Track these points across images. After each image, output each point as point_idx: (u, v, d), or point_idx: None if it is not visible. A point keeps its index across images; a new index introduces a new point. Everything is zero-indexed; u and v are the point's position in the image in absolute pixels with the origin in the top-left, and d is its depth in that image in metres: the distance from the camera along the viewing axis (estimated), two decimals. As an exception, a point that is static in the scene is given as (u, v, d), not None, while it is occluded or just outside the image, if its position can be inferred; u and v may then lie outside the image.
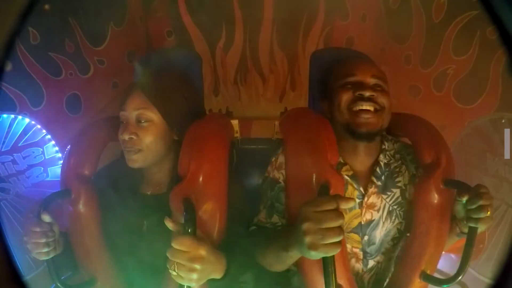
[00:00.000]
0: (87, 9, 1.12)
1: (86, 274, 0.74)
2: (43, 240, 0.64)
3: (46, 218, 0.65)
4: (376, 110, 0.70)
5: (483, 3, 0.46)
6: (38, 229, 0.63)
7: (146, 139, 0.72)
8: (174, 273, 0.52)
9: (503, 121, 0.90)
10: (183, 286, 0.53)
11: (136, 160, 0.73)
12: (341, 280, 0.63)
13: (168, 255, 0.53)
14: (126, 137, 0.72)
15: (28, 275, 0.92)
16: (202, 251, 0.52)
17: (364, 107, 0.69)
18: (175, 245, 0.52)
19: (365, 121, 0.69)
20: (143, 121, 0.73)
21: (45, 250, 0.64)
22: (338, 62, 0.81)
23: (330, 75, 0.80)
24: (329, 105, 0.77)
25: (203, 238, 0.56)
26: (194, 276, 0.52)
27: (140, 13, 1.43)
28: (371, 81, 0.72)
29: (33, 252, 0.65)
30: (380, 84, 0.73)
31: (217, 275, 0.58)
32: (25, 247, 0.65)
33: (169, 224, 0.56)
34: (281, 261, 0.63)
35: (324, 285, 0.54)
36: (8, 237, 0.46)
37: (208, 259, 0.53)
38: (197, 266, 0.52)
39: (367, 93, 0.69)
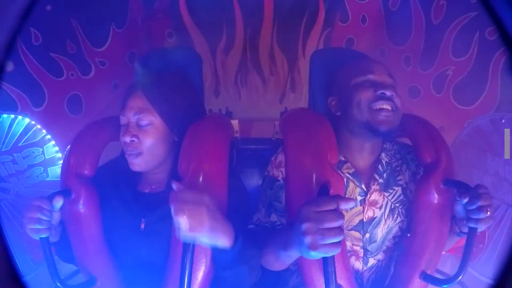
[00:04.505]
0: (89, 10, 1.12)
1: (85, 274, 0.74)
2: (37, 216, 0.63)
3: (60, 202, 0.65)
4: (393, 110, 0.70)
5: (483, 3, 0.47)
6: (37, 203, 0.63)
7: (147, 142, 0.72)
8: (184, 218, 0.49)
9: (503, 121, 0.90)
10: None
11: (138, 164, 0.73)
12: (341, 280, 0.62)
13: (171, 203, 0.50)
14: (128, 139, 0.72)
15: (28, 275, 0.92)
16: (205, 197, 0.52)
17: (384, 106, 0.69)
18: (178, 191, 0.51)
19: (386, 119, 0.70)
20: (144, 124, 0.73)
21: (37, 227, 0.63)
22: (351, 59, 0.81)
23: (344, 72, 0.78)
24: (341, 102, 0.76)
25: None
26: (205, 219, 0.50)
27: (141, 15, 1.43)
28: (388, 80, 0.73)
29: (26, 228, 0.64)
30: (394, 85, 0.74)
31: (225, 241, 0.56)
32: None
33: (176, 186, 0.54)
34: (280, 261, 0.63)
35: (324, 285, 0.54)
36: (8, 237, 0.46)
37: (213, 208, 0.52)
38: (205, 210, 0.50)
39: (388, 93, 0.70)
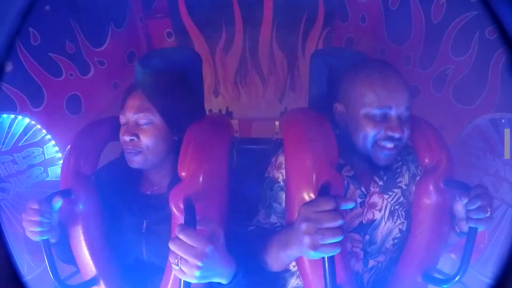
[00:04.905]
0: (88, 10, 1.12)
1: (85, 274, 0.74)
2: (38, 219, 0.63)
3: (59, 202, 0.65)
4: (396, 146, 0.68)
5: (483, 3, 0.47)
6: (35, 207, 0.63)
7: (146, 141, 0.72)
8: (177, 267, 0.50)
9: (503, 121, 0.90)
10: (184, 282, 0.52)
11: (137, 161, 0.73)
12: (341, 281, 0.62)
13: (170, 246, 0.51)
14: (127, 138, 0.72)
15: (28, 275, 0.92)
16: (208, 249, 0.51)
17: (389, 145, 0.68)
18: (181, 235, 0.50)
19: (386, 158, 0.69)
20: (143, 123, 0.73)
21: (38, 229, 0.63)
22: (368, 71, 0.69)
23: (359, 89, 0.69)
24: (347, 117, 0.72)
25: (213, 236, 0.54)
26: (197, 273, 0.50)
27: (140, 14, 1.43)
28: (403, 114, 0.67)
29: (26, 231, 0.64)
30: (408, 117, 0.69)
31: (223, 279, 0.57)
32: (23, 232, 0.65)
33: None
34: (280, 261, 0.63)
35: (324, 285, 0.54)
36: (8, 237, 0.46)
37: (213, 259, 0.52)
38: (200, 264, 0.50)
39: (397, 135, 0.66)
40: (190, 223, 0.56)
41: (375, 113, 0.67)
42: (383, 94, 0.67)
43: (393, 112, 0.67)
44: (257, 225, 0.75)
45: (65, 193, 0.72)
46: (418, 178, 0.76)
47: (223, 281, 0.57)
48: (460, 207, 0.65)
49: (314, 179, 0.63)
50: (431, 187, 0.70)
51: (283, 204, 0.72)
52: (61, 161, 0.94)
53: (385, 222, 0.75)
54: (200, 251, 0.50)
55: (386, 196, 0.75)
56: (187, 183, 0.66)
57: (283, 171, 0.73)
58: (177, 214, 0.64)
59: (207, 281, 0.54)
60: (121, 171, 0.79)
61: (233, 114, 1.27)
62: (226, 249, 0.56)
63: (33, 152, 1.02)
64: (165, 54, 1.03)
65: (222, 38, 1.53)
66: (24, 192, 0.99)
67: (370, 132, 0.67)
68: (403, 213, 0.75)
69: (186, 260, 0.50)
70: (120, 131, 0.75)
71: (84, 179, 0.75)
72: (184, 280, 0.52)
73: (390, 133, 0.67)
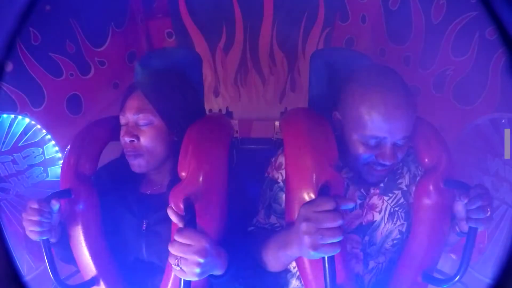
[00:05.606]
0: (88, 10, 1.12)
1: (85, 274, 0.74)
2: (37, 218, 0.63)
3: (56, 206, 0.65)
4: (387, 168, 0.68)
5: (483, 3, 0.47)
6: (35, 206, 0.63)
7: (146, 142, 0.72)
8: (178, 268, 0.51)
9: (503, 121, 0.90)
10: (184, 281, 0.53)
11: (139, 165, 0.73)
12: (341, 280, 0.62)
13: (170, 249, 0.52)
14: (128, 139, 0.72)
15: (28, 275, 0.92)
16: (206, 244, 0.52)
17: (379, 168, 0.68)
18: (177, 237, 0.51)
19: (376, 178, 0.70)
20: (143, 123, 0.73)
21: (38, 229, 0.64)
22: (368, 90, 0.64)
23: (354, 106, 0.66)
24: (344, 127, 0.70)
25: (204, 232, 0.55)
26: (198, 270, 0.51)
27: (141, 14, 1.43)
28: (400, 142, 0.66)
29: (26, 230, 0.65)
30: (405, 145, 0.67)
31: (219, 271, 0.58)
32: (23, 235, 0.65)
33: (172, 216, 0.56)
34: (280, 261, 0.63)
35: (324, 285, 0.54)
36: (8, 237, 0.46)
37: (211, 252, 0.53)
38: (201, 260, 0.51)
39: (388, 163, 0.66)
40: (190, 223, 0.57)
41: (369, 139, 0.66)
42: (380, 124, 0.63)
43: (388, 142, 0.65)
44: (256, 226, 0.75)
45: (65, 193, 0.72)
46: (418, 178, 0.76)
47: (218, 272, 0.58)
48: (460, 207, 0.65)
49: (314, 179, 0.63)
50: (431, 187, 0.70)
51: (283, 205, 0.72)
52: (61, 161, 0.94)
53: (385, 224, 0.75)
54: (199, 248, 0.51)
55: (386, 198, 0.75)
56: (187, 183, 0.66)
57: (283, 172, 0.73)
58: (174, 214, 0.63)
59: (205, 275, 0.55)
60: (121, 171, 0.79)
61: (233, 114, 1.27)
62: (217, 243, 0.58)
63: (33, 152, 1.02)
64: (165, 54, 1.03)
65: (222, 38, 1.53)
66: (24, 192, 0.99)
67: (361, 155, 0.67)
68: (403, 214, 0.75)
69: (186, 259, 0.51)
70: (120, 131, 0.75)
71: (84, 179, 0.75)
72: (184, 280, 0.53)
73: (381, 161, 0.66)
